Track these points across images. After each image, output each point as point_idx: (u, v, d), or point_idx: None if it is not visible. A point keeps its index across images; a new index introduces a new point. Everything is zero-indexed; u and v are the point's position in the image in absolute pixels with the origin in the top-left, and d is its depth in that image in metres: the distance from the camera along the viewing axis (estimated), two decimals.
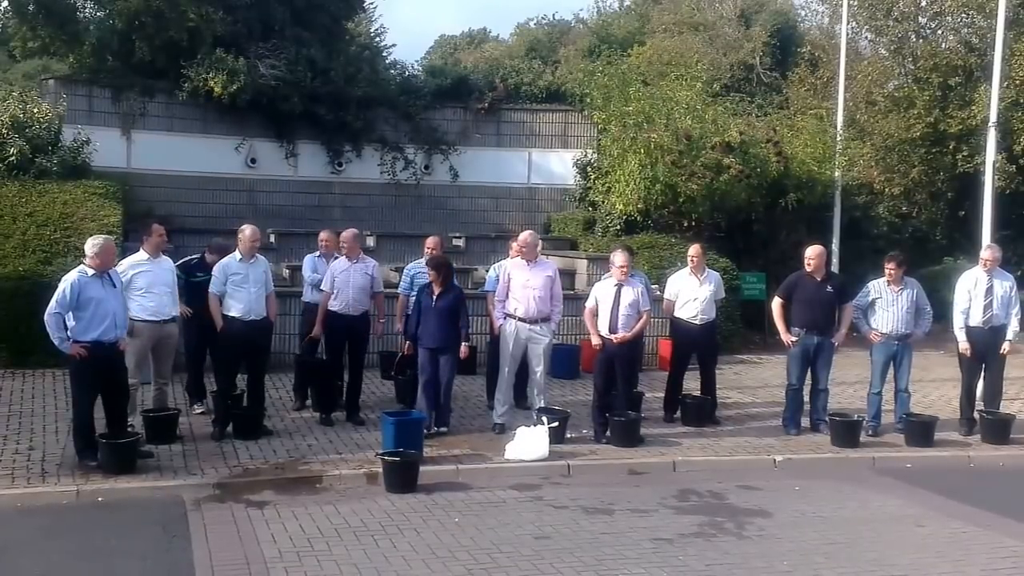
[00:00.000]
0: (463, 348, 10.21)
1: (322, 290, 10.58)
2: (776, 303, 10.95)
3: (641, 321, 10.30)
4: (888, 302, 10.76)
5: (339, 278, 10.44)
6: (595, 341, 10.27)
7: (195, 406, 10.66)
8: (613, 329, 10.16)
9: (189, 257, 10.89)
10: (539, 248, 10.87)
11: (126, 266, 9.53)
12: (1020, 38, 19.90)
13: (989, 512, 8.29)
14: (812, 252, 10.78)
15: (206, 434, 9.75)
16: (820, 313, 10.68)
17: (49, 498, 7.90)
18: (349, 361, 10.63)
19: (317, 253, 11.51)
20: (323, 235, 11.57)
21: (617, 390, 10.34)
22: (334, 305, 10.44)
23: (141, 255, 9.69)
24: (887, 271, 10.82)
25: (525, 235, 10.70)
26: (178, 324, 9.99)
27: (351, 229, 10.95)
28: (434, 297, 9.98)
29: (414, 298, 10.54)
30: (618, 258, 10.29)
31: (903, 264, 10.87)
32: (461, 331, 10.11)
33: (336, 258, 10.84)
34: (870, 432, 10.72)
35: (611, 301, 10.19)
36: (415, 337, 10.10)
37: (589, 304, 10.43)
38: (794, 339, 10.67)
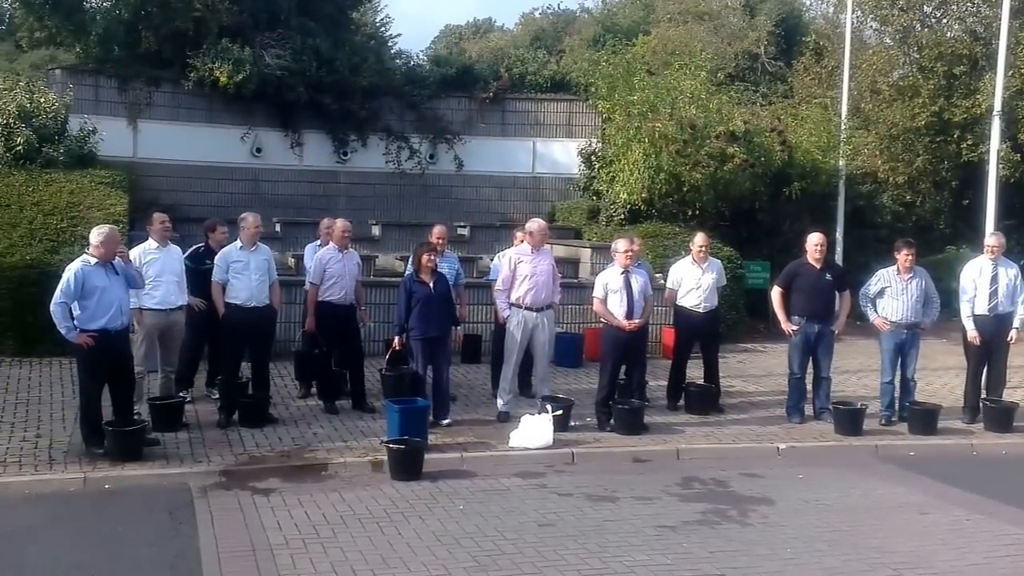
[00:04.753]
0: (458, 333, 10.36)
1: (312, 283, 10.49)
2: (776, 292, 10.93)
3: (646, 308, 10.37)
4: (897, 291, 10.69)
5: (334, 268, 10.39)
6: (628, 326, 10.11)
7: (181, 393, 10.38)
8: (629, 317, 10.14)
9: (196, 246, 10.79)
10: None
11: (137, 254, 9.58)
12: None
13: (991, 500, 8.31)
14: (821, 239, 10.74)
15: (212, 422, 9.80)
16: (820, 302, 10.68)
17: (56, 485, 7.96)
18: (348, 351, 10.59)
19: (318, 242, 11.47)
20: (326, 222, 11.45)
21: (624, 379, 10.42)
22: (333, 295, 10.40)
23: (150, 244, 9.80)
24: (904, 257, 10.64)
25: (539, 223, 10.70)
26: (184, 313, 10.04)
27: (342, 219, 10.89)
28: (432, 285, 9.96)
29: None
30: (621, 244, 10.33)
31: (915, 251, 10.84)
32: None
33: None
34: (883, 422, 10.68)
35: (623, 289, 10.17)
36: (410, 329, 9.92)
37: (598, 294, 10.36)
38: (795, 328, 10.68)
